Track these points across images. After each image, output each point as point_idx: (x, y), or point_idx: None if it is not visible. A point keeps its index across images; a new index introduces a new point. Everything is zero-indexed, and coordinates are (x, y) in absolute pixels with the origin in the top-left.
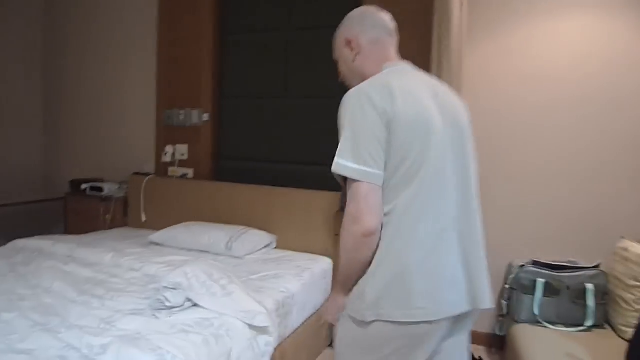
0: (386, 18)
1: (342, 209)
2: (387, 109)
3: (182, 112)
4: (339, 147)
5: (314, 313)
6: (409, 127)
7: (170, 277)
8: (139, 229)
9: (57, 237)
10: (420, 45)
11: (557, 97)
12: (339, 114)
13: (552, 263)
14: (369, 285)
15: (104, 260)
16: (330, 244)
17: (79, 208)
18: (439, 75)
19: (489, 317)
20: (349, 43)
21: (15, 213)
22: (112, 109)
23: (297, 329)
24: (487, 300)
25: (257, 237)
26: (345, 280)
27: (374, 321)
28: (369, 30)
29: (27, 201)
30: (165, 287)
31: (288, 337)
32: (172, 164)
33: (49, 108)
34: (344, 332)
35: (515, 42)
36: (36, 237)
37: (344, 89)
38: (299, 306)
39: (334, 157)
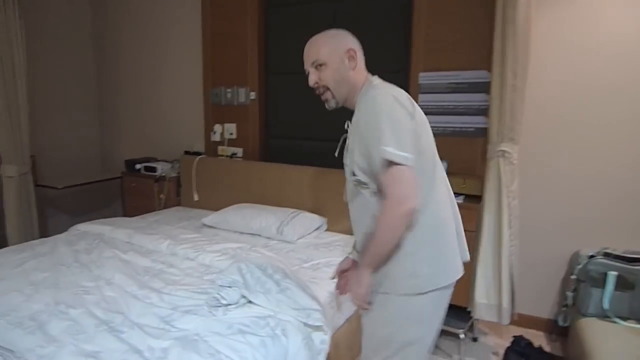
0: None
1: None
2: (410, 111)
3: (229, 90)
4: (381, 138)
5: None
6: (422, 128)
7: (225, 274)
8: (192, 209)
9: (115, 220)
10: (485, 13)
11: (632, 69)
12: (365, 114)
13: (626, 255)
14: (419, 263)
15: (160, 248)
16: None
17: (134, 187)
18: (503, 48)
19: (550, 304)
20: (352, 53)
21: (78, 192)
22: (161, 89)
23: (349, 317)
24: (467, 255)
25: (308, 220)
26: (378, 260)
27: (429, 291)
28: (359, 49)
29: (87, 182)
30: (221, 286)
31: (341, 326)
32: (221, 143)
33: (102, 93)
34: (393, 311)
35: (587, 8)
36: (96, 221)
37: (399, 63)
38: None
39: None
